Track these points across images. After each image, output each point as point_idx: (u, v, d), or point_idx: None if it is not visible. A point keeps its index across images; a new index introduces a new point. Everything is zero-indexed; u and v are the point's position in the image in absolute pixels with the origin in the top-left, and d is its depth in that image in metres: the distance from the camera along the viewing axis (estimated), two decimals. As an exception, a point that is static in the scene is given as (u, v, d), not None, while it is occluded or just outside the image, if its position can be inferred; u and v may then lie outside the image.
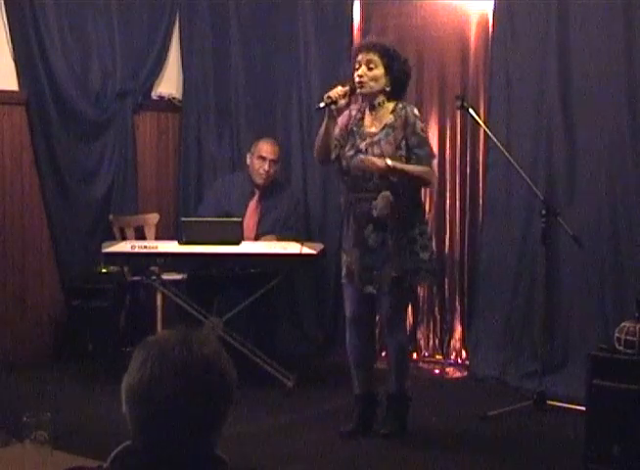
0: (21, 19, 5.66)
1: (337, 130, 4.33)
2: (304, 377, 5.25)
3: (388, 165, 4.13)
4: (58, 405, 4.53)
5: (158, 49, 6.37)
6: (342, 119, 4.37)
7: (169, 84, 6.51)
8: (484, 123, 5.18)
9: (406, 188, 4.24)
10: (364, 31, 6.08)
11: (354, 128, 4.34)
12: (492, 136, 5.04)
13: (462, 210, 5.96)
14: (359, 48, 4.36)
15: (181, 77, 6.51)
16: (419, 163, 4.25)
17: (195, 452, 1.60)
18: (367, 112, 4.34)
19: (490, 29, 5.63)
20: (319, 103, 4.25)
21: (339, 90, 4.21)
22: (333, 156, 4.33)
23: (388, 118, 4.28)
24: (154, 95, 6.45)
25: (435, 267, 4.49)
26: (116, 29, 6.09)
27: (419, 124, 4.30)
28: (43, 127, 5.79)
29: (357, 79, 4.23)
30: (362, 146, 4.28)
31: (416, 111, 4.34)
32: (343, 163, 4.32)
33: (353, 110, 4.39)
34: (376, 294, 4.29)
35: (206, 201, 5.88)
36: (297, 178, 6.13)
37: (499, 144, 4.97)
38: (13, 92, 5.71)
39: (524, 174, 4.85)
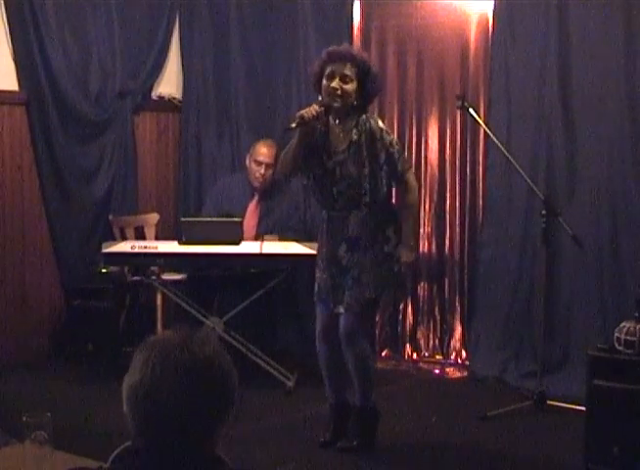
0: (21, 19, 5.66)
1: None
2: (304, 377, 5.25)
3: (414, 256, 4.32)
4: (58, 405, 4.53)
5: (158, 49, 6.37)
6: None
7: (169, 84, 6.51)
8: (484, 123, 5.18)
9: (377, 205, 4.11)
10: (364, 31, 6.09)
11: (320, 142, 4.15)
12: (492, 136, 5.04)
13: (462, 210, 5.96)
14: (333, 57, 4.08)
15: (181, 77, 6.51)
16: (392, 178, 4.10)
17: (195, 453, 1.60)
18: (332, 124, 4.15)
19: (490, 29, 5.63)
20: (291, 123, 4.03)
21: (313, 111, 3.98)
22: (298, 171, 4.18)
23: (353, 134, 4.08)
24: (154, 95, 6.45)
25: (405, 280, 4.31)
26: (116, 29, 6.09)
27: (387, 138, 4.09)
28: (43, 127, 5.79)
29: (330, 90, 4.02)
30: (329, 165, 4.11)
31: (380, 123, 4.14)
32: (312, 182, 4.18)
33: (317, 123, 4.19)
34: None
35: (208, 204, 5.89)
36: (298, 179, 6.12)
37: (499, 144, 4.97)
38: (13, 92, 5.71)
39: (524, 174, 4.85)
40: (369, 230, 4.11)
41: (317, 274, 4.26)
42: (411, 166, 4.36)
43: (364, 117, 4.12)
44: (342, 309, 4.15)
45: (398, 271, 4.18)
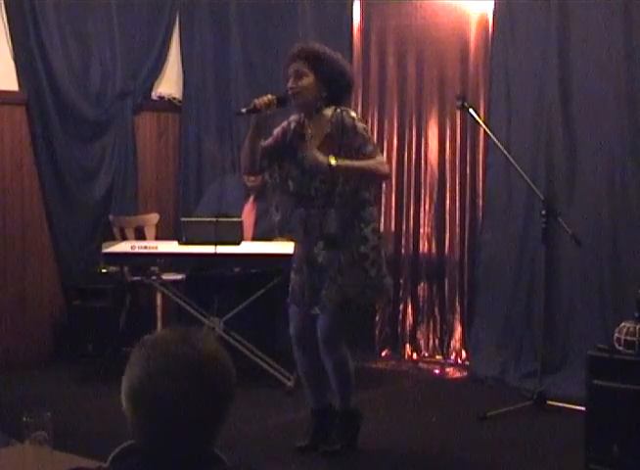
0: (21, 19, 5.66)
1: (269, 140, 4.13)
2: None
3: (332, 166, 3.89)
4: (58, 405, 4.52)
5: (158, 49, 6.37)
6: (277, 130, 4.17)
7: (169, 84, 6.51)
8: (484, 123, 5.18)
9: (354, 203, 4.03)
10: (364, 31, 6.09)
11: (294, 143, 4.11)
12: (492, 136, 5.04)
13: (462, 210, 5.96)
14: (287, 60, 4.09)
15: (181, 77, 6.52)
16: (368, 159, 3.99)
17: (195, 451, 1.60)
18: (306, 123, 4.11)
19: (490, 29, 5.63)
20: (242, 108, 4.08)
21: (265, 99, 3.97)
22: (258, 167, 4.15)
23: (327, 129, 4.03)
24: (154, 95, 6.45)
25: (383, 283, 4.15)
26: (116, 29, 6.10)
27: (359, 125, 4.01)
28: (43, 127, 5.79)
29: (289, 92, 4.02)
30: (305, 163, 4.05)
31: (353, 113, 4.07)
32: (290, 183, 4.12)
33: (292, 122, 4.14)
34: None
35: (201, 205, 5.90)
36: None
37: (499, 144, 4.97)
38: (13, 92, 5.71)
39: (524, 174, 4.85)
40: (346, 229, 4.04)
41: (292, 276, 4.20)
42: (380, 153, 4.22)
43: (338, 110, 4.05)
44: (317, 310, 4.08)
45: (376, 275, 4.09)
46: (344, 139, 3.99)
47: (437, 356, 6.03)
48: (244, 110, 4.04)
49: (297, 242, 4.22)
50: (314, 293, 4.09)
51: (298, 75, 4.02)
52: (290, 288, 4.21)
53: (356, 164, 3.96)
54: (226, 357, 1.64)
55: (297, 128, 4.14)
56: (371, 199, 4.17)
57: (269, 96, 4.01)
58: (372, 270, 4.08)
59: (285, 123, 4.19)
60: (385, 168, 4.11)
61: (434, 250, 6.07)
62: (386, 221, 6.08)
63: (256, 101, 4.00)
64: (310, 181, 4.06)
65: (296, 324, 4.23)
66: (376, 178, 4.09)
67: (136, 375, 1.59)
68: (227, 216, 5.48)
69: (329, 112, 4.06)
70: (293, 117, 4.19)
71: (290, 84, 4.03)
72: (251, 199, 5.71)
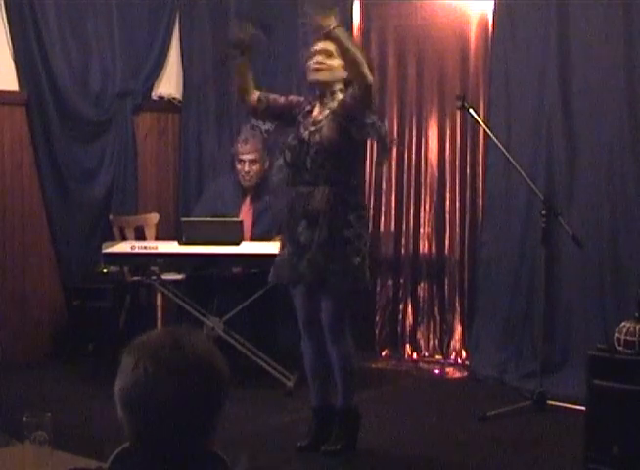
0: (21, 19, 5.67)
1: (282, 98, 4.23)
2: (304, 377, 5.25)
3: (332, 27, 3.86)
4: (58, 405, 4.52)
5: (158, 49, 6.37)
6: (293, 97, 4.28)
7: (169, 84, 6.51)
8: (484, 123, 5.18)
9: (342, 186, 4.03)
10: (364, 31, 6.09)
11: (301, 119, 4.14)
12: (492, 136, 5.04)
13: (462, 210, 5.96)
14: (318, 37, 4.08)
15: (181, 77, 6.52)
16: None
17: (193, 451, 1.60)
18: (317, 104, 4.14)
19: (490, 29, 5.63)
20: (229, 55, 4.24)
21: (244, 29, 4.13)
22: (250, 98, 4.21)
23: (334, 105, 4.07)
24: (154, 95, 6.45)
25: (365, 274, 4.10)
26: (116, 29, 6.10)
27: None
28: (43, 127, 5.79)
29: (314, 66, 4.05)
30: (305, 135, 4.07)
31: None
32: (287, 153, 4.13)
33: (306, 103, 4.20)
34: (292, 290, 4.14)
35: (201, 201, 5.90)
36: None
37: (499, 144, 4.97)
38: (13, 92, 5.71)
39: (524, 174, 4.85)
40: (331, 208, 4.00)
41: (277, 256, 4.20)
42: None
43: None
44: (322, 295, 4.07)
45: (360, 264, 4.03)
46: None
47: (437, 356, 6.02)
48: (231, 50, 4.17)
49: (283, 223, 4.23)
50: (293, 271, 4.08)
51: (328, 54, 4.05)
52: (272, 266, 4.21)
53: (352, 44, 4.01)
54: (217, 359, 1.63)
55: (307, 107, 4.17)
56: (360, 185, 4.20)
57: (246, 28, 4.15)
58: (355, 258, 4.03)
59: (302, 99, 4.26)
60: (369, 74, 3.97)
61: (434, 250, 6.07)
62: (386, 221, 6.08)
63: (238, 35, 4.14)
64: (306, 152, 4.06)
65: (301, 312, 4.23)
66: (358, 75, 3.96)
67: (129, 380, 1.58)
68: (226, 216, 5.48)
69: (341, 96, 4.09)
70: (311, 98, 4.22)
71: (317, 58, 4.05)
72: (248, 199, 5.69)
